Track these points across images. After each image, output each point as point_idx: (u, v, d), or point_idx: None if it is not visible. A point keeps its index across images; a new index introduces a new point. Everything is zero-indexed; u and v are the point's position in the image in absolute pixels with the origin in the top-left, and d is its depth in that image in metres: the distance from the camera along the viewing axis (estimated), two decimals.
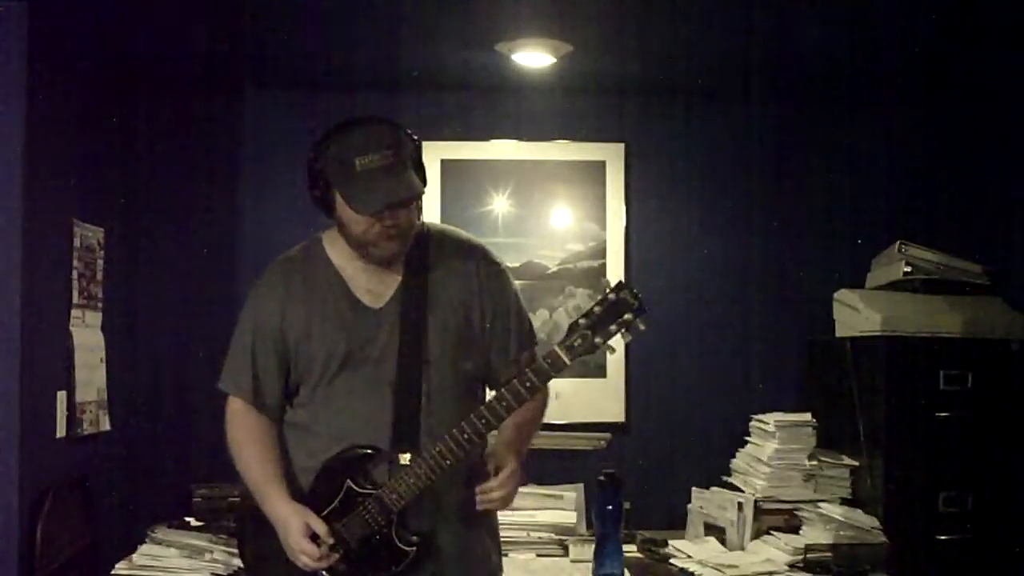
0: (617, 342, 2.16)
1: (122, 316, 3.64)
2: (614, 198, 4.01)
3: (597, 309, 2.13)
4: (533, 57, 3.55)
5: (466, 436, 2.20)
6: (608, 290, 2.15)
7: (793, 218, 4.04)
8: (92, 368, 3.34)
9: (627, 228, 4.01)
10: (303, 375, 2.34)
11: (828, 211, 4.03)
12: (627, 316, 2.12)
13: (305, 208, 3.81)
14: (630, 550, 3.39)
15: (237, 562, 3.17)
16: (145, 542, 3.26)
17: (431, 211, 3.86)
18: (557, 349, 2.15)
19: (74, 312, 3.23)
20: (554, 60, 3.58)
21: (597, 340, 2.13)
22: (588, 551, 3.27)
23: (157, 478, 3.76)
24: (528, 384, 2.18)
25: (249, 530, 2.43)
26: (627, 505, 3.30)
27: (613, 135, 4.02)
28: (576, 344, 2.13)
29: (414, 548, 2.27)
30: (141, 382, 3.79)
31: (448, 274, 2.34)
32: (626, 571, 3.20)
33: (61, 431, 3.11)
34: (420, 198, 2.30)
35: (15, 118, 2.84)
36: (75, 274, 3.25)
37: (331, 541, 2.25)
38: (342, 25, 3.30)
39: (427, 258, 2.33)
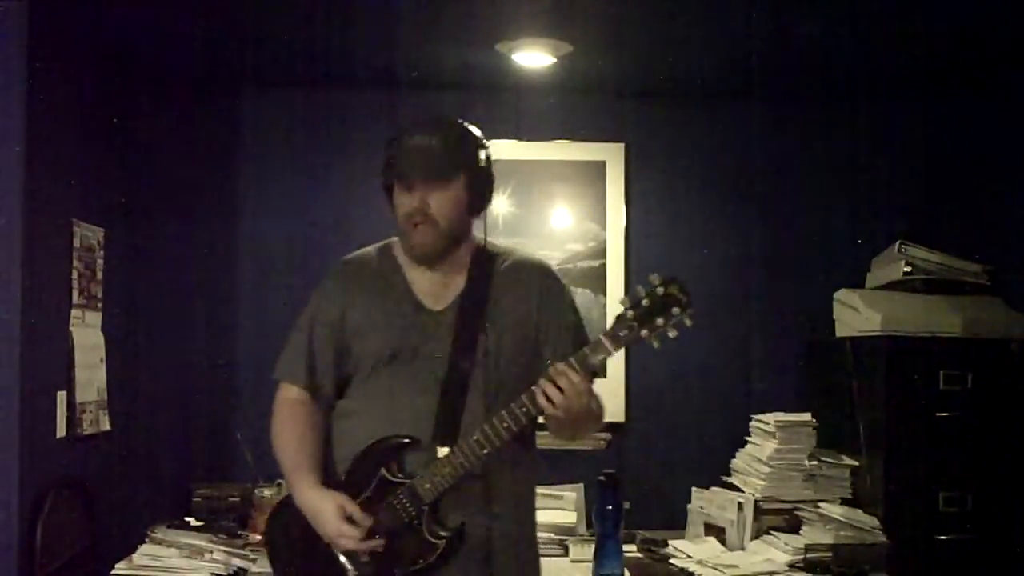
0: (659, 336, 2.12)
1: (122, 316, 3.63)
2: (614, 198, 4.01)
3: (645, 302, 2.10)
4: (533, 57, 3.55)
5: (505, 424, 2.16)
6: (657, 283, 2.10)
7: (793, 218, 4.04)
8: (92, 368, 3.34)
9: (627, 228, 4.01)
10: (356, 366, 2.34)
11: (828, 211, 4.03)
12: (675, 311, 2.09)
13: (305, 208, 3.89)
14: (630, 550, 3.38)
15: (237, 562, 3.18)
16: (145, 542, 3.25)
17: None
18: (602, 338, 2.12)
19: (74, 312, 3.22)
20: (554, 60, 3.58)
21: (643, 332, 2.09)
22: (588, 551, 3.27)
23: (157, 478, 3.76)
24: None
25: (278, 530, 2.43)
26: (627, 505, 3.29)
27: (613, 135, 4.01)
28: (622, 335, 2.10)
29: (443, 541, 2.23)
30: (141, 382, 3.78)
31: (509, 286, 2.36)
32: (626, 571, 3.20)
33: (61, 431, 3.11)
34: (447, 186, 2.27)
35: (15, 118, 2.84)
36: (75, 274, 3.24)
37: (368, 523, 2.22)
38: (342, 25, 3.30)
39: (491, 271, 2.35)
